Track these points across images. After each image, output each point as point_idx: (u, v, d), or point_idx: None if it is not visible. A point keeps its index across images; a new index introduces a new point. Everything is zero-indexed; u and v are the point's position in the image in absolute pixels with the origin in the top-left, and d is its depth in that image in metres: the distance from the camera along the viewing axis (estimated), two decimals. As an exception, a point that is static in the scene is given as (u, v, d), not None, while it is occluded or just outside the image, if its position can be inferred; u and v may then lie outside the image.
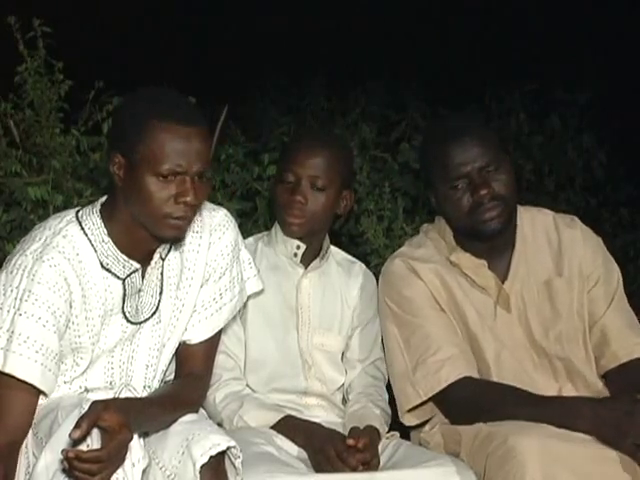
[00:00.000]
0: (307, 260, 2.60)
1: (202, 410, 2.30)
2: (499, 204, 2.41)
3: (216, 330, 2.31)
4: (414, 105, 4.24)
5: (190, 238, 2.25)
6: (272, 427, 2.42)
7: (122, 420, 1.88)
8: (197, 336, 2.28)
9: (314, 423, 2.44)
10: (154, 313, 2.21)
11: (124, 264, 2.15)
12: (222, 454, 2.03)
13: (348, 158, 2.67)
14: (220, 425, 2.46)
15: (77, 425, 1.82)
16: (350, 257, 2.74)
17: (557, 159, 4.36)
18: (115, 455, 1.88)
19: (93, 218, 2.15)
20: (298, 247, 2.58)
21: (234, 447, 2.05)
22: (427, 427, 2.49)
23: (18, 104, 3.15)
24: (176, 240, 2.17)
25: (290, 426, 2.41)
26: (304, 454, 2.36)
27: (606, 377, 2.47)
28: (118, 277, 2.15)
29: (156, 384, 2.26)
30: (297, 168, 2.52)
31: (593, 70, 4.88)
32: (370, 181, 3.45)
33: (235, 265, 2.33)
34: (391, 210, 3.30)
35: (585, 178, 4.42)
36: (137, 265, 2.16)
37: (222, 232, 2.30)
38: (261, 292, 2.52)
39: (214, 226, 2.29)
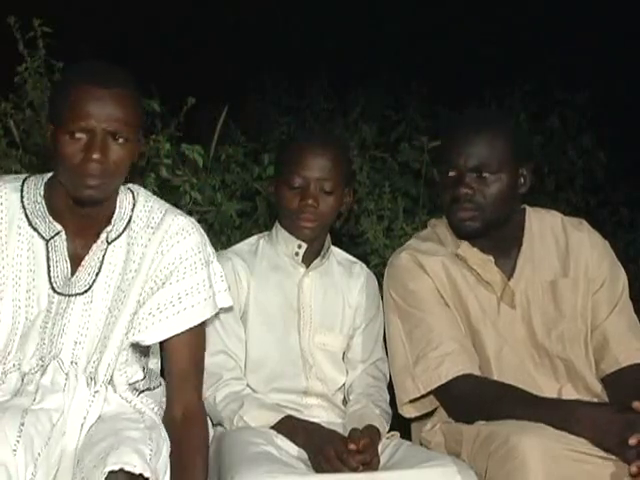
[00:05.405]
0: (308, 259, 2.60)
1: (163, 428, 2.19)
2: (474, 209, 2.40)
3: (172, 334, 2.24)
4: (414, 105, 4.25)
5: (142, 232, 2.26)
6: (272, 427, 2.40)
7: None
8: (150, 338, 2.23)
9: (314, 423, 2.43)
10: (86, 291, 2.21)
11: (49, 225, 2.22)
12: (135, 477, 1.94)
13: (348, 156, 2.68)
14: (220, 425, 2.46)
15: None
16: (351, 257, 2.74)
17: (557, 159, 4.36)
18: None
19: (37, 180, 2.28)
20: (300, 246, 2.58)
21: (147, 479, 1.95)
22: (428, 426, 2.49)
23: (18, 104, 3.15)
24: (91, 200, 2.17)
25: (290, 426, 2.40)
26: (304, 454, 2.35)
27: (605, 381, 2.46)
28: (43, 237, 2.22)
29: (99, 374, 2.18)
30: (305, 172, 2.51)
31: (593, 70, 4.88)
32: (370, 181, 3.46)
33: (200, 271, 2.27)
34: (391, 210, 3.30)
35: (585, 178, 4.42)
36: (59, 227, 2.22)
37: (183, 237, 2.26)
38: (262, 292, 2.53)
39: (174, 228, 2.26)
